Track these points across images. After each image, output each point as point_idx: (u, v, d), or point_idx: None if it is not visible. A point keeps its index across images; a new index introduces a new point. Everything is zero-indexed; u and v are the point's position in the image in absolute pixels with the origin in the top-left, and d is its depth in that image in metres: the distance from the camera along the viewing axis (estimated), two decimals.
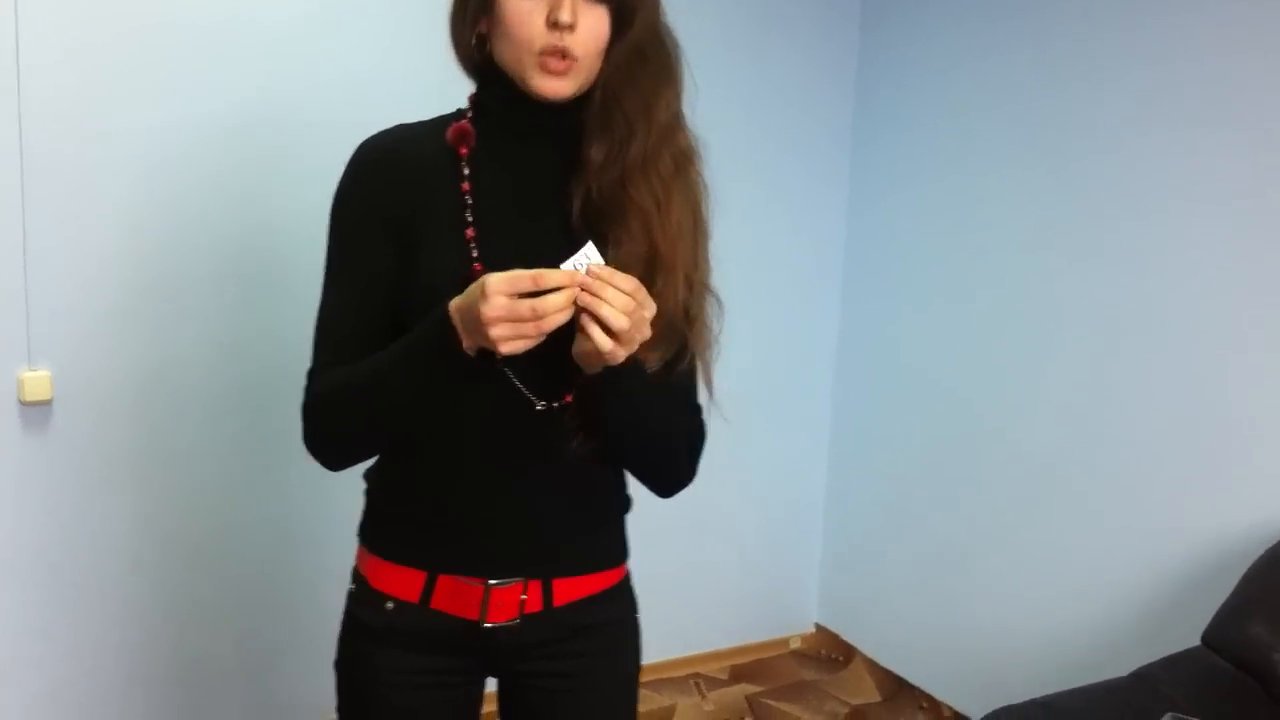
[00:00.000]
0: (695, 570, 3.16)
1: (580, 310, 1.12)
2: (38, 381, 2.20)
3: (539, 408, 1.28)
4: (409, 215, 1.29)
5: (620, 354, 1.15)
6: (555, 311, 1.10)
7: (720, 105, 2.87)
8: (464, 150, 1.32)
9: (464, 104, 1.36)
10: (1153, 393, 2.44)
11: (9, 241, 2.14)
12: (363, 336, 1.29)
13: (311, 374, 1.33)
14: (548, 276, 1.10)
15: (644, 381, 1.24)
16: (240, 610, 2.52)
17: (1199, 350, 2.35)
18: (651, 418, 1.29)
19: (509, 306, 1.10)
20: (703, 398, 1.37)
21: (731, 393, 1.37)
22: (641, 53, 1.29)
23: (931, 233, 3.03)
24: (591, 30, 1.25)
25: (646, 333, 1.17)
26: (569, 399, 1.28)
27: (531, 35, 1.23)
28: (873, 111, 3.21)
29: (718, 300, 1.34)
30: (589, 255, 1.15)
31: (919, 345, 3.08)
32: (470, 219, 1.29)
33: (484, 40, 1.29)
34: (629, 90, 1.28)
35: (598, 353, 1.14)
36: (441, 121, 1.36)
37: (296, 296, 2.45)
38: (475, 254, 1.27)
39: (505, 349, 1.11)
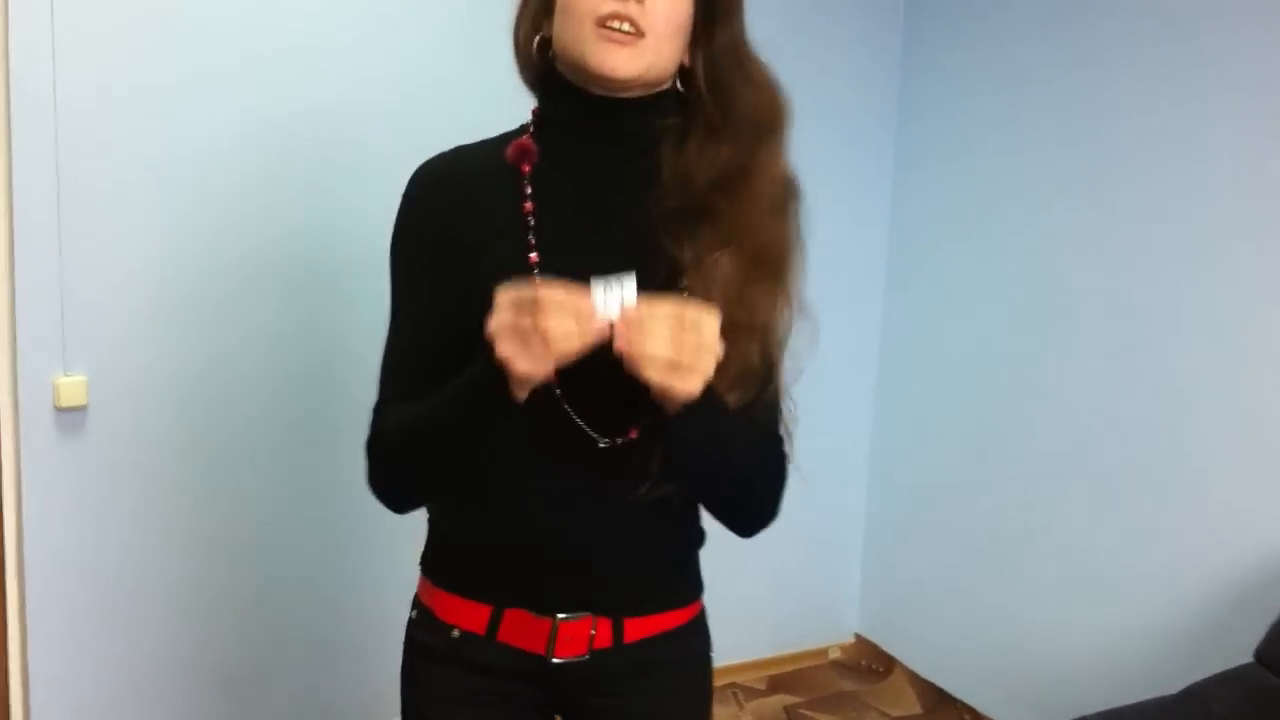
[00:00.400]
0: (732, 578, 3.08)
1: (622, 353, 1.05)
2: (73, 387, 2.20)
3: (602, 445, 1.20)
4: (470, 242, 1.22)
5: (687, 385, 1.05)
6: (562, 339, 1.03)
7: None
8: (525, 168, 1.23)
9: (527, 118, 1.29)
10: (1207, 400, 2.36)
11: (45, 246, 2.15)
12: (428, 370, 1.22)
13: (376, 409, 1.26)
14: (554, 298, 1.03)
15: (723, 415, 1.15)
16: (283, 614, 2.52)
17: (1257, 355, 2.27)
18: (733, 454, 1.20)
19: (512, 321, 1.03)
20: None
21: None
22: (737, 53, 1.21)
23: (976, 235, 2.97)
24: (666, 7, 1.16)
25: (710, 358, 1.07)
26: (634, 434, 1.20)
27: (588, 6, 1.14)
28: (917, 106, 3.16)
29: (813, 321, 1.25)
30: (624, 291, 1.05)
31: (963, 350, 3.02)
32: (534, 241, 1.21)
33: (547, 44, 1.22)
34: (729, 91, 1.20)
35: (664, 390, 1.06)
36: (503, 139, 1.27)
37: (336, 300, 2.47)
38: (539, 279, 1.16)
39: (517, 370, 1.04)
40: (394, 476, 1.24)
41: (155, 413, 2.31)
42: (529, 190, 1.23)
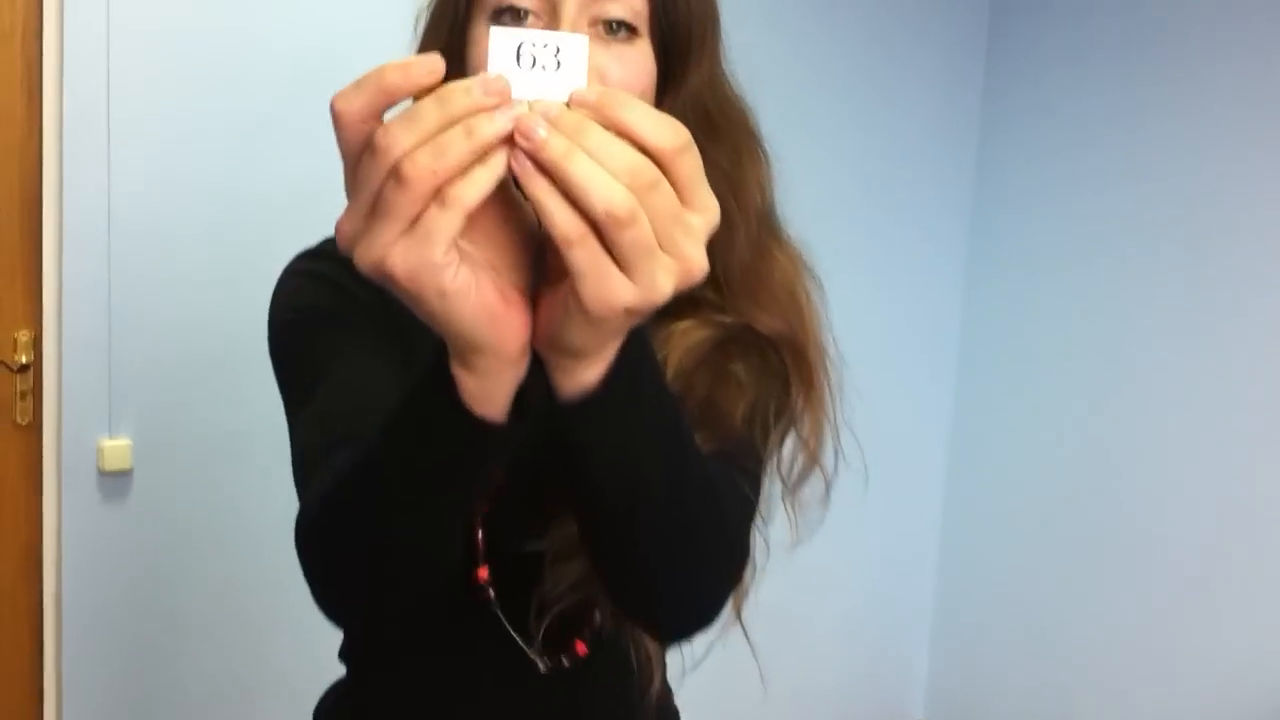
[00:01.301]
0: (790, 654, 2.99)
1: (526, 184, 0.55)
2: (118, 450, 2.15)
3: (543, 669, 0.95)
4: (397, 322, 0.87)
5: (651, 283, 0.57)
6: (445, 177, 0.54)
7: (833, 184, 2.87)
8: None
9: None
10: None
11: (94, 307, 2.12)
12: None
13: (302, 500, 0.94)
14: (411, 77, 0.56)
15: (664, 389, 0.72)
16: (326, 684, 2.43)
17: None
18: (676, 465, 0.73)
19: (360, 177, 0.57)
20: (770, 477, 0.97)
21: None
22: (707, 113, 0.92)
23: (1054, 316, 2.85)
24: (616, 75, 0.84)
25: (696, 241, 0.58)
26: (581, 648, 0.95)
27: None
28: (993, 193, 3.05)
29: (836, 361, 0.99)
30: (562, 55, 0.56)
31: (1039, 429, 2.88)
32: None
33: None
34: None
35: (573, 281, 0.57)
36: None
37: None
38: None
39: (395, 271, 0.56)
40: (326, 557, 0.81)
41: (201, 476, 2.26)
42: None
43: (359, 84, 0.56)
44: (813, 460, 0.98)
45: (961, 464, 3.14)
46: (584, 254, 0.56)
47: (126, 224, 2.13)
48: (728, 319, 0.92)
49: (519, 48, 0.56)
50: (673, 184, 0.57)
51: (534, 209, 0.56)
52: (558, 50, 0.56)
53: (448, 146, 0.54)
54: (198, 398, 2.23)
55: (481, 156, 0.55)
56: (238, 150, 2.22)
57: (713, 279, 0.87)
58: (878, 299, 2.98)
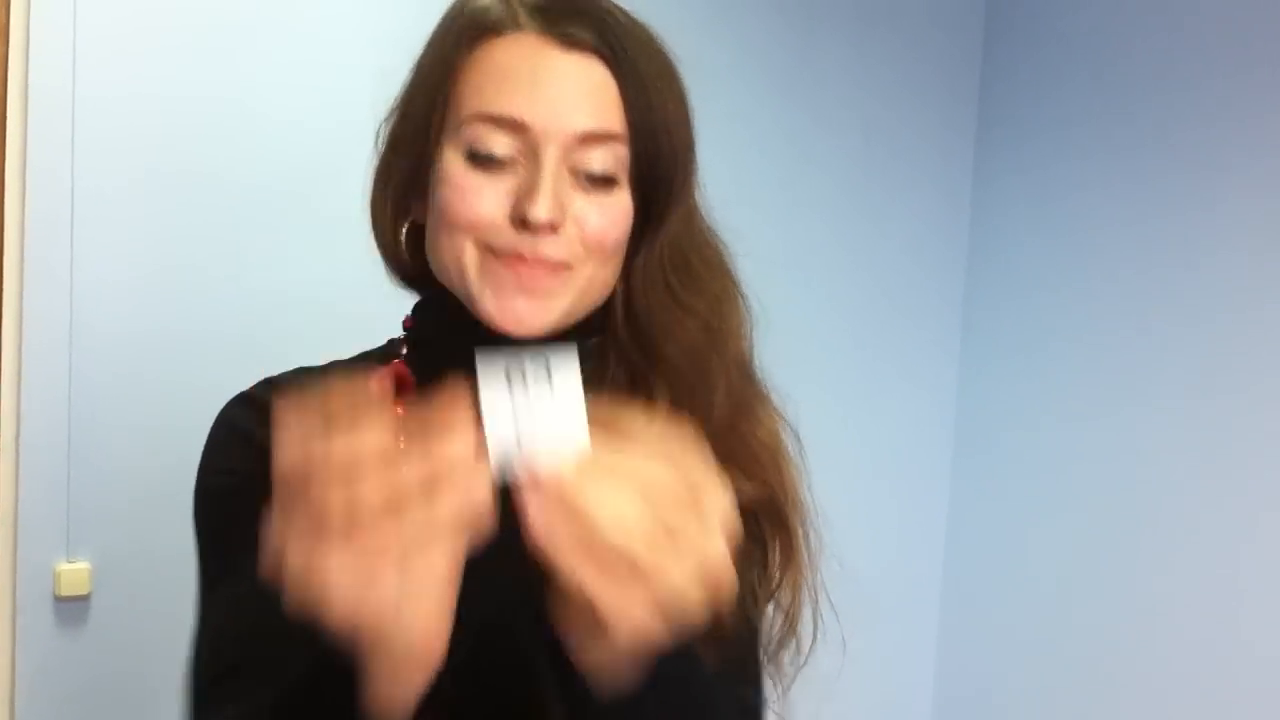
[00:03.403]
0: None
1: (537, 531, 0.56)
2: (76, 575, 2.07)
3: None
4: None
5: (641, 621, 0.58)
6: (394, 534, 0.53)
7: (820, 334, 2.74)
8: (399, 407, 0.72)
9: (400, 330, 0.95)
10: None
11: (53, 425, 2.05)
12: None
13: None
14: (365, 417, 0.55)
15: (701, 676, 0.71)
16: None
17: None
18: None
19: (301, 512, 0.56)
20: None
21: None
22: (686, 260, 0.88)
23: (1052, 426, 2.70)
24: (595, 225, 0.83)
25: (720, 551, 0.60)
26: None
27: (477, 224, 0.80)
28: (985, 290, 2.95)
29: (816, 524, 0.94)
30: (555, 396, 0.54)
31: (1039, 559, 2.73)
32: None
33: (419, 231, 0.89)
34: (675, 319, 0.86)
35: (597, 620, 0.57)
36: (361, 362, 0.95)
37: None
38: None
39: (340, 617, 0.54)
40: None
41: (161, 600, 2.15)
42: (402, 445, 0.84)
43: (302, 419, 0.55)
44: (791, 628, 0.93)
45: (956, 593, 2.96)
46: (611, 596, 0.56)
47: (87, 346, 2.07)
48: None
49: (507, 371, 0.55)
50: (686, 505, 0.58)
51: (548, 559, 0.56)
52: (548, 365, 0.55)
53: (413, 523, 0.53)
54: (159, 519, 2.14)
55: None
56: (209, 260, 2.16)
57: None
58: (862, 457, 2.84)
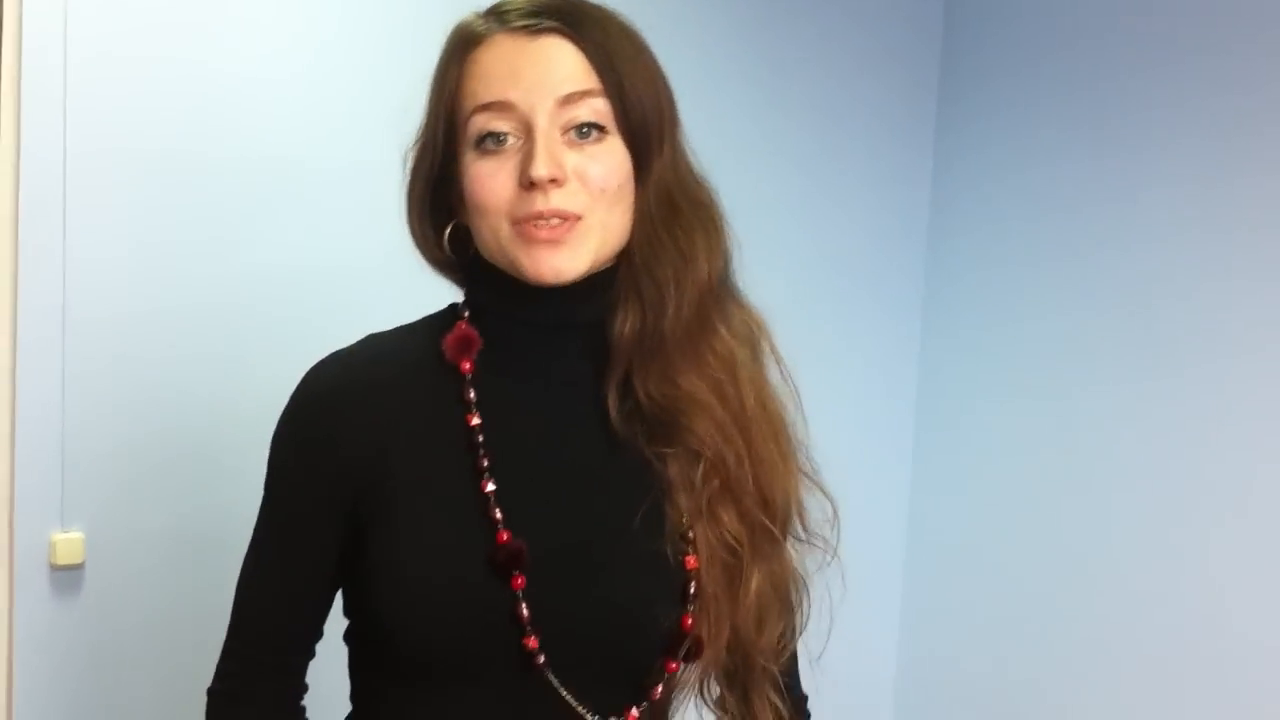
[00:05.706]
0: None
1: None
2: (70, 544, 2.13)
3: None
4: (381, 475, 0.99)
5: None
6: None
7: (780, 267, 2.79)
8: (466, 365, 0.99)
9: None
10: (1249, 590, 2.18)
11: (48, 398, 2.10)
12: (295, 635, 1.10)
13: (226, 657, 1.14)
14: None
15: None
16: None
17: None
18: None
19: None
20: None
21: None
22: (669, 198, 1.00)
23: (1013, 405, 2.74)
24: (595, 173, 0.96)
25: None
26: (632, 716, 0.99)
27: (499, 203, 0.94)
28: (945, 301, 2.96)
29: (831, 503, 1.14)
30: None
31: (1002, 537, 2.76)
32: (486, 465, 0.96)
33: (463, 231, 1.02)
34: (657, 247, 0.99)
35: None
36: (426, 327, 1.06)
37: None
38: (499, 516, 0.94)
39: None
40: None
41: (155, 571, 2.23)
42: (472, 396, 0.99)
43: None
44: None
45: (916, 586, 3.00)
46: None
47: (81, 315, 2.12)
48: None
49: None
50: None
51: None
52: None
53: None
54: (153, 490, 2.21)
55: None
56: (200, 240, 2.21)
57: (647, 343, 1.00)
58: (823, 436, 2.93)
